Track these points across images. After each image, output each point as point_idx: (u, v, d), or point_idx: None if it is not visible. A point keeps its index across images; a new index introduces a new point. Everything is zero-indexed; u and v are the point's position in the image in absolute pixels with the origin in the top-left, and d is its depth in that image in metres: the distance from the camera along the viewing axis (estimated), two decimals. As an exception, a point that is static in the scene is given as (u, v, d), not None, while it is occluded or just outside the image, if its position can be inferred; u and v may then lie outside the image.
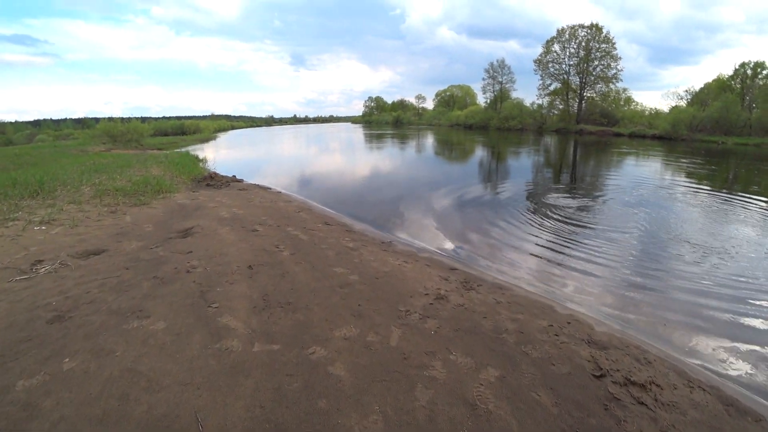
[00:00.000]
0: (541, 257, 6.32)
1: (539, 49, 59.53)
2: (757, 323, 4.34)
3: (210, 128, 56.26)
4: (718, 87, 49.45)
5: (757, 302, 4.79)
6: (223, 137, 46.90)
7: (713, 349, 3.90)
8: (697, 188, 12.92)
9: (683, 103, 54.52)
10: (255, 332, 3.30)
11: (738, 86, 48.24)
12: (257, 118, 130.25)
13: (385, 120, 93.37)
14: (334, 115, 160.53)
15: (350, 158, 21.51)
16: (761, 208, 9.86)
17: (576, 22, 64.31)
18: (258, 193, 10.15)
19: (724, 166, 20.93)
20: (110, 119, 32.56)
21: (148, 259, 5.09)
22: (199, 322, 3.44)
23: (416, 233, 7.47)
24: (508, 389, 2.84)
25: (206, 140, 39.95)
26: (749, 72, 47.96)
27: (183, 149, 25.60)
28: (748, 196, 11.43)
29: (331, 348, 3.14)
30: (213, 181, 12.24)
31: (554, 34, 57.46)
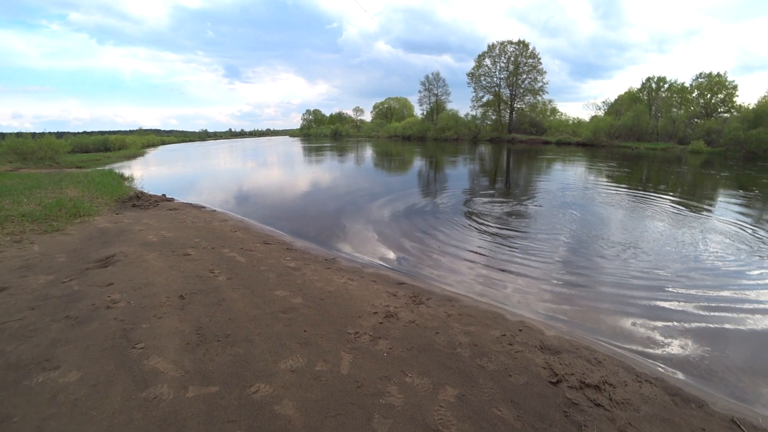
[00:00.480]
0: (483, 264, 6.45)
1: (472, 63, 62.93)
2: (674, 305, 4.71)
3: (137, 144, 52.49)
4: (629, 98, 55.18)
5: (672, 289, 5.27)
6: (153, 153, 43.95)
7: (647, 337, 4.12)
8: (616, 188, 14.74)
9: (601, 113, 60.03)
10: (188, 374, 2.92)
11: (645, 98, 53.89)
12: (190, 132, 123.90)
13: (323, 133, 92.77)
14: (272, 129, 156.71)
15: (289, 172, 20.93)
16: (668, 203, 11.60)
17: (505, 38, 68.50)
18: (190, 213, 9.45)
19: (638, 168, 23.43)
20: (18, 135, 29.32)
21: (59, 295, 4.45)
22: (122, 367, 3.00)
23: (360, 247, 7.29)
24: (469, 408, 2.72)
25: (133, 157, 37.12)
26: (654, 85, 54.01)
27: (106, 167, 23.52)
28: (657, 194, 13.36)
29: (277, 383, 2.85)
30: (140, 201, 11.28)
31: (485, 49, 61.01)
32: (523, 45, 57.62)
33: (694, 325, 4.49)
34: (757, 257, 6.75)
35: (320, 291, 4.64)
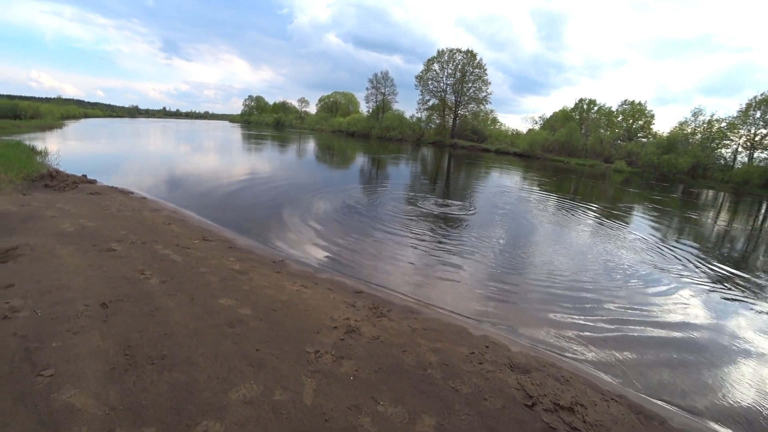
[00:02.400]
0: (435, 268, 6.39)
1: (421, 66, 63.78)
2: (606, 315, 4.83)
3: (55, 114, 46.49)
4: (563, 116, 59.54)
5: (599, 300, 5.46)
6: (74, 126, 39.31)
7: (598, 351, 4.15)
8: (548, 197, 16.02)
9: (537, 127, 63.99)
10: (114, 411, 2.35)
11: (577, 117, 58.37)
12: (118, 107, 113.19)
13: (265, 121, 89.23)
14: (210, 112, 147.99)
15: (229, 160, 19.59)
16: (593, 213, 12.87)
17: (454, 46, 70.22)
18: (116, 199, 8.34)
19: (568, 180, 25.14)
20: None
21: (-61, 296, 3.57)
22: (22, 403, 2.35)
23: (309, 249, 6.81)
24: (447, 445, 2.47)
25: (49, 128, 32.85)
26: (585, 106, 58.68)
27: (14, 137, 20.48)
28: (584, 204, 14.69)
29: (229, 420, 2.38)
30: (54, 181, 9.82)
31: (435, 54, 62.17)
32: (470, 54, 59.53)
33: (632, 335, 4.66)
34: (662, 270, 7.33)
35: (271, 300, 4.16)
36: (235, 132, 52.67)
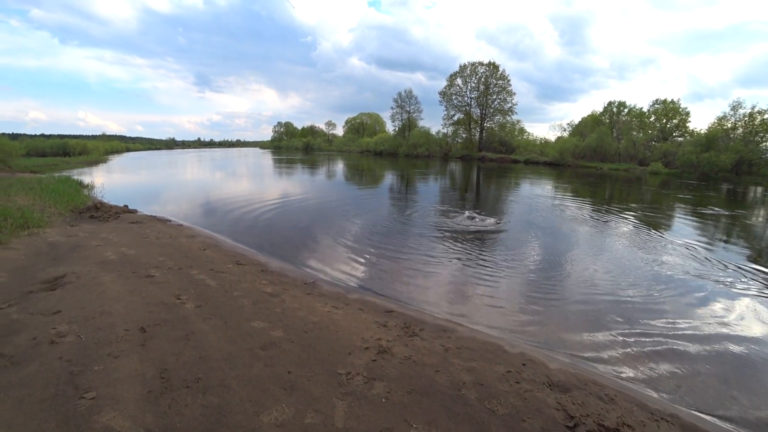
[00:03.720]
0: (468, 285, 6.25)
1: (444, 82, 64.04)
2: (656, 330, 4.51)
3: (100, 149, 49.69)
4: (593, 121, 57.82)
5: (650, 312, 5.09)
6: (117, 160, 41.75)
7: (644, 366, 3.89)
8: (582, 205, 15.36)
9: (566, 134, 62.46)
10: (149, 433, 2.41)
11: (607, 121, 56.57)
12: (157, 140, 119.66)
13: (294, 145, 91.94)
14: (242, 140, 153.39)
15: (260, 185, 20.17)
16: (631, 220, 12.37)
17: (476, 59, 70.31)
18: (155, 227, 8.72)
19: (602, 186, 24.26)
20: (-35, 135, 27.13)
21: (-6, 325, 3.79)
22: (65, 426, 2.44)
23: (340, 269, 6.85)
24: (484, 471, 2.36)
25: (95, 163, 35.02)
26: (615, 109, 56.82)
27: (64, 173, 21.94)
28: (620, 210, 14.04)
29: (259, 445, 2.38)
30: (98, 212, 10.39)
31: (457, 69, 62.42)
32: (493, 66, 59.37)
33: (675, 348, 4.35)
34: (709, 278, 6.84)
35: (303, 322, 4.18)
36: (266, 157, 54.32)
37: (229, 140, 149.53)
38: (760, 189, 29.91)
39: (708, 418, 3.30)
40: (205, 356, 3.33)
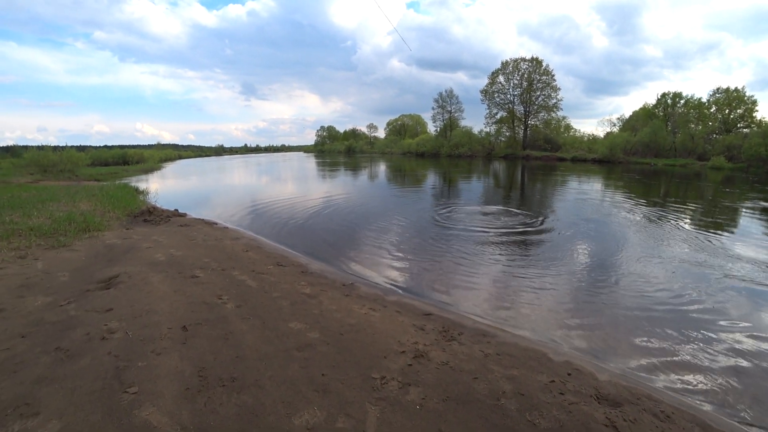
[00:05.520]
0: (511, 289, 5.97)
1: (485, 80, 62.87)
2: (719, 340, 4.05)
3: (155, 158, 53.07)
4: (645, 114, 54.31)
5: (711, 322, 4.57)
6: (170, 167, 44.32)
7: (706, 383, 3.51)
8: (635, 205, 14.29)
9: (616, 130, 59.14)
10: (185, 430, 2.45)
11: (661, 114, 52.95)
12: (207, 147, 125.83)
13: (337, 149, 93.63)
14: (286, 144, 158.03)
15: (303, 188, 20.58)
16: (690, 220, 11.54)
17: (518, 55, 68.53)
18: (202, 230, 9.09)
19: (656, 184, 22.72)
20: (40, 147, 29.72)
21: (55, 321, 4.05)
22: (109, 418, 2.54)
23: (379, 271, 6.81)
24: (524, 488, 2.20)
25: (150, 170, 37.37)
26: (669, 101, 53.01)
27: (123, 180, 23.57)
28: (678, 209, 12.75)
29: (290, 448, 2.36)
30: (151, 216, 11.00)
31: (499, 66, 60.95)
32: (536, 62, 57.51)
33: (741, 363, 3.90)
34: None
35: (339, 324, 4.15)
36: (310, 161, 55.59)
37: (274, 145, 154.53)
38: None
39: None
40: (241, 356, 3.37)
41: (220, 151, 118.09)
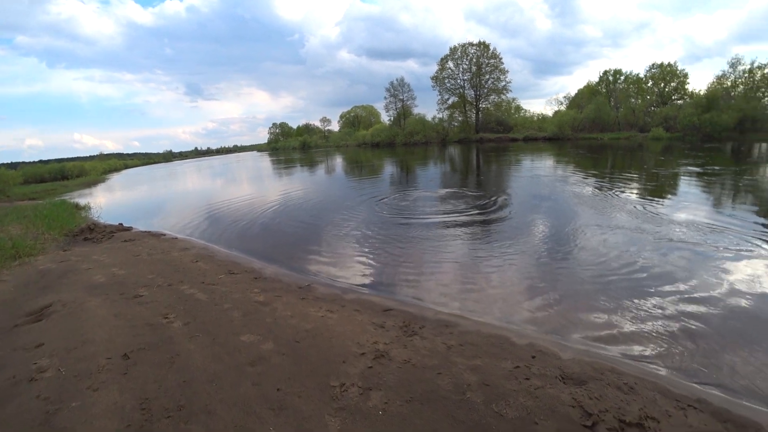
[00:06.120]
0: (471, 273, 5.97)
1: (435, 67, 62.99)
2: (667, 305, 4.23)
3: (98, 169, 49.82)
4: (589, 92, 56.92)
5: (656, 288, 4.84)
6: (115, 178, 41.76)
7: (661, 347, 3.62)
8: (584, 179, 14.96)
9: (563, 108, 61.61)
10: (122, 476, 2.20)
11: (604, 90, 55.65)
12: (154, 154, 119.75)
13: (291, 145, 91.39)
14: (239, 145, 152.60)
15: (258, 188, 19.88)
16: (634, 189, 12.26)
17: (466, 41, 69.12)
18: (148, 243, 8.52)
19: (603, 157, 24.03)
20: (-38, 169, 27.16)
21: (-26, 365, 3.61)
22: (32, 472, 2.24)
23: (337, 268, 6.61)
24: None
25: (93, 183, 34.99)
26: (611, 78, 55.81)
27: (62, 197, 21.85)
28: (622, 180, 13.66)
29: (242, 480, 2.16)
30: (92, 233, 10.24)
31: (448, 52, 61.38)
32: (484, 46, 58.46)
33: (689, 324, 4.07)
34: (722, 247, 6.50)
35: (295, 330, 3.95)
36: (263, 160, 54.08)
37: (226, 147, 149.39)
38: (765, 145, 29.28)
39: (743, 402, 3.02)
40: (189, 379, 3.11)
41: (169, 156, 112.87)
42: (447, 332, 3.99)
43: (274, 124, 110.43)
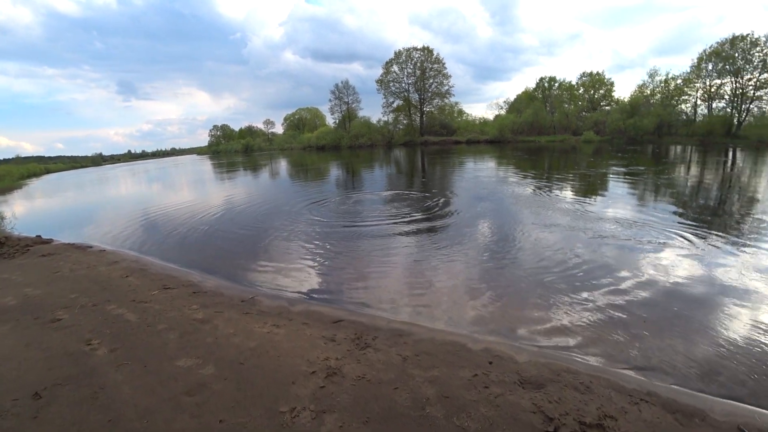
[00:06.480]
0: (421, 277, 5.93)
1: (381, 70, 63.42)
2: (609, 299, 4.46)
3: (14, 174, 44.71)
4: (527, 97, 60.44)
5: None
6: (35, 184, 37.65)
7: (607, 341, 3.74)
8: (524, 179, 15.88)
9: (503, 112, 64.76)
10: None
11: (540, 96, 59.26)
12: (81, 157, 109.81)
13: (234, 148, 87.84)
14: (177, 148, 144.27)
15: (198, 194, 18.69)
16: (569, 188, 13.18)
17: (411, 45, 70.26)
18: (70, 258, 7.65)
19: (541, 159, 25.59)
20: None
21: None
22: None
23: (283, 276, 6.27)
24: None
25: (8, 190, 31.34)
26: (546, 84, 59.58)
27: (-33, 208, 19.27)
28: (558, 180, 14.86)
29: None
30: (4, 248, 9.06)
31: (392, 56, 62.07)
32: (428, 51, 59.73)
33: (626, 317, 4.29)
34: (648, 234, 7.06)
35: (238, 350, 3.63)
36: (204, 164, 51.44)
37: (163, 149, 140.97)
38: (679, 148, 32.61)
39: (686, 390, 3.16)
40: (116, 418, 2.73)
41: (98, 160, 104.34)
42: (401, 342, 3.86)
43: (215, 126, 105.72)
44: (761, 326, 4.08)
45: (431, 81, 60.64)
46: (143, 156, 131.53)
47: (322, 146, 65.42)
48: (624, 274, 5.57)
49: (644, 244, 6.76)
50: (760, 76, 37.95)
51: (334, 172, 25.46)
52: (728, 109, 41.31)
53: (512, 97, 65.99)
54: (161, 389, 3.04)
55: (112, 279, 6.08)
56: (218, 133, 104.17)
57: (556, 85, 58.73)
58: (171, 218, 12.19)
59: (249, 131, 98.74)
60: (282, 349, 3.63)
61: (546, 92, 59.38)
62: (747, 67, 38.69)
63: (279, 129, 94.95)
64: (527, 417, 2.67)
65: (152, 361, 3.46)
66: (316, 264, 6.78)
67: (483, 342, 3.87)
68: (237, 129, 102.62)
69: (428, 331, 4.15)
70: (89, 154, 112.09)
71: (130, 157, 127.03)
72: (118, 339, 3.93)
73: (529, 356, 3.56)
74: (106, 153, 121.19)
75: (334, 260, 6.89)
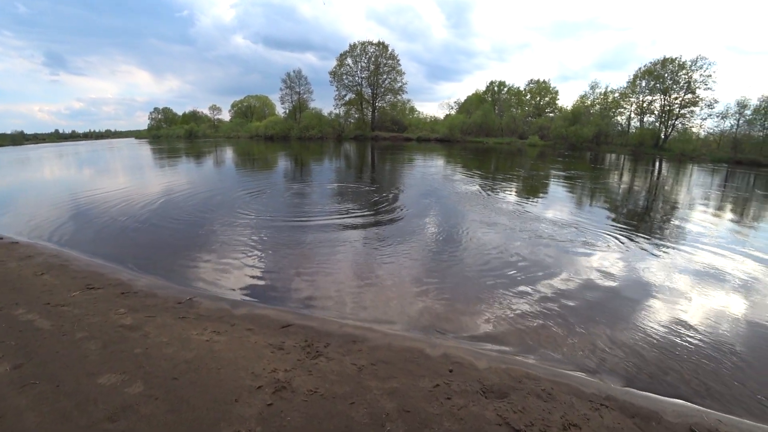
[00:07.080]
0: (371, 276, 5.78)
1: (334, 62, 62.40)
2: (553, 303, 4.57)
3: None
4: (477, 99, 62.52)
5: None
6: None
7: (563, 343, 3.77)
8: (471, 179, 16.39)
9: (454, 112, 66.39)
10: None
11: (490, 99, 61.47)
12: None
13: (176, 133, 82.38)
14: (113, 130, 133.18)
15: (134, 181, 17.12)
16: (514, 189, 13.90)
17: (366, 39, 69.59)
18: (-28, 252, 6.61)
19: (488, 160, 26.55)
20: None
21: None
22: None
23: (225, 274, 5.80)
24: None
25: None
26: (496, 88, 61.97)
27: None
28: (504, 181, 15.76)
29: None
30: None
31: (347, 48, 61.27)
32: (383, 46, 59.57)
33: (574, 318, 4.39)
34: (588, 242, 7.44)
35: (172, 363, 3.20)
36: (142, 148, 47.76)
37: (97, 131, 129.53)
38: (613, 155, 35.41)
39: (638, 392, 3.22)
40: (12, 452, 2.26)
41: (19, 139, 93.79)
42: (356, 349, 3.62)
43: (156, 108, 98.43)
44: (682, 321, 4.44)
45: (385, 77, 60.60)
46: (73, 137, 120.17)
47: (270, 136, 63.22)
48: (565, 273, 5.91)
49: (576, 245, 7.25)
50: (684, 96, 41.80)
51: (283, 163, 24.59)
52: (657, 124, 45.10)
53: (463, 98, 67.71)
54: (77, 415, 2.57)
55: (23, 277, 5.28)
56: (159, 116, 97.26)
57: (506, 89, 61.27)
58: (102, 207, 11.04)
59: (193, 116, 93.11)
60: (223, 361, 3.26)
61: (495, 96, 61.69)
62: (674, 87, 42.49)
63: (226, 116, 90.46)
64: (493, 430, 2.54)
65: (67, 379, 2.95)
66: (261, 261, 6.35)
67: (441, 347, 3.73)
68: (180, 113, 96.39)
69: (384, 336, 3.94)
70: (8, 132, 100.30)
71: (57, 137, 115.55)
72: (24, 352, 3.34)
73: (488, 362, 3.47)
74: (28, 131, 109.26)
75: (281, 257, 6.51)
